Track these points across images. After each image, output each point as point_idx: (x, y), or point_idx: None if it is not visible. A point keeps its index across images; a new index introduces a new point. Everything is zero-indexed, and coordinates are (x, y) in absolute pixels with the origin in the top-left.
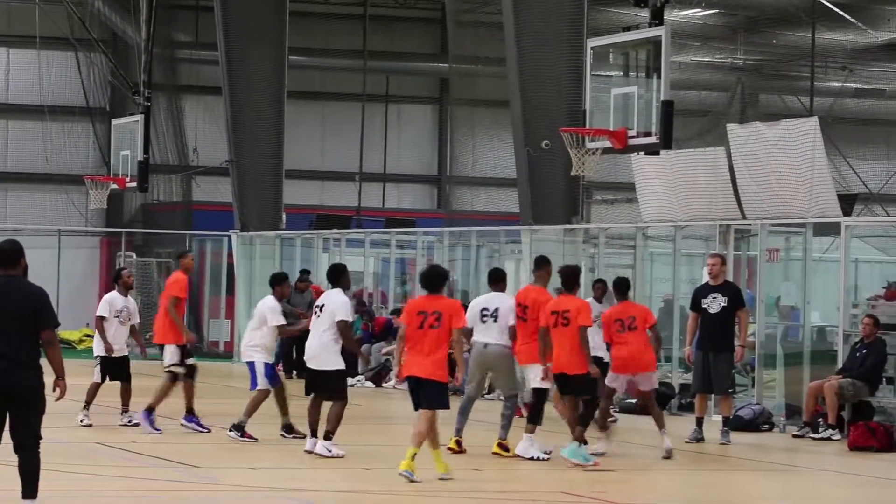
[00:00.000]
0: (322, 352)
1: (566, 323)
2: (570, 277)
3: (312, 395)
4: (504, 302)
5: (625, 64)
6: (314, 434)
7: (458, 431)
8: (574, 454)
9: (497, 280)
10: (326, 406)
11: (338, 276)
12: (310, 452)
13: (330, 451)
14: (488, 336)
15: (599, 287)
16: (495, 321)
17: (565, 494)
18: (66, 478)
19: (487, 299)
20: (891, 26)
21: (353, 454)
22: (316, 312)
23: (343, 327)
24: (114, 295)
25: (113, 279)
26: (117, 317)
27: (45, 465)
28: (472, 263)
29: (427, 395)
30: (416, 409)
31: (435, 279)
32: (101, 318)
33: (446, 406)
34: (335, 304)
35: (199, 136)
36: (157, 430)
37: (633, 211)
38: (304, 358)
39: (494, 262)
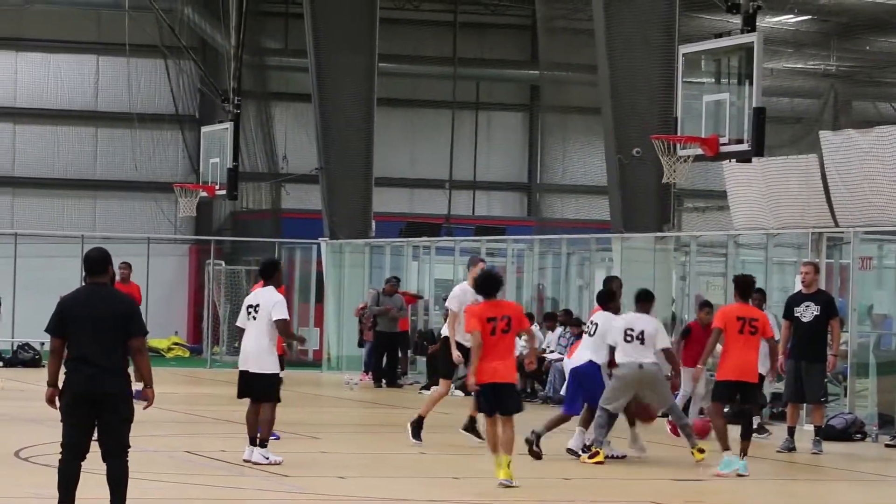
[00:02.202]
0: (260, 354)
1: (753, 331)
2: (749, 287)
3: (251, 401)
4: (649, 324)
5: (717, 70)
6: (253, 442)
7: (601, 444)
8: (728, 466)
9: (643, 300)
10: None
11: (272, 272)
12: (247, 461)
13: (267, 459)
14: (642, 356)
15: (758, 297)
16: (642, 343)
17: None
18: (155, 487)
19: (631, 320)
20: None
21: (442, 463)
22: (250, 313)
23: (283, 326)
24: None
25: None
26: None
27: (134, 474)
28: (562, 271)
29: (508, 399)
30: (490, 414)
31: (495, 284)
32: None
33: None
34: (271, 304)
35: (288, 143)
36: None
37: (725, 219)
38: (239, 359)
39: (585, 271)
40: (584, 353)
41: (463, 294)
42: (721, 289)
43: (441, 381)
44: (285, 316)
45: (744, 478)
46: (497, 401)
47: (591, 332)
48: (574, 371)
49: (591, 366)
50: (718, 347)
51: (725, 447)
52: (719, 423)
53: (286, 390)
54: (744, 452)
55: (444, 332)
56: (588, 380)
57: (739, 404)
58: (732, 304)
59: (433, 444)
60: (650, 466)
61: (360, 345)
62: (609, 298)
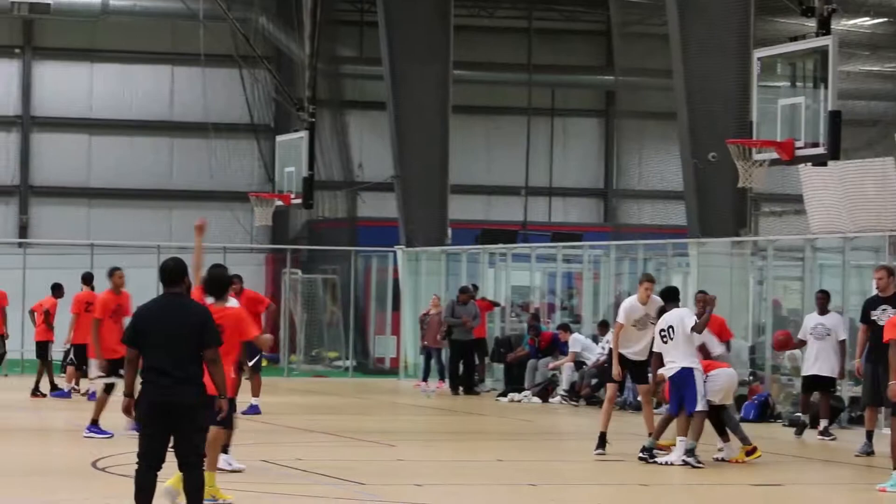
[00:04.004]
0: None
1: None
2: None
3: None
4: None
5: (792, 74)
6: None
7: (746, 440)
8: None
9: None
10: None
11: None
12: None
13: (231, 465)
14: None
15: (822, 297)
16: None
17: None
18: (233, 496)
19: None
20: None
21: (520, 470)
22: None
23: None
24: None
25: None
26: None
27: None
28: (638, 277)
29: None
30: None
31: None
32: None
33: None
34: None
35: (363, 151)
36: (107, 433)
37: (802, 222)
38: None
39: (661, 276)
40: (675, 358)
41: (631, 308)
42: (798, 293)
43: (608, 385)
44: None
45: (824, 483)
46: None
47: (671, 337)
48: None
49: (686, 371)
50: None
51: None
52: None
53: (363, 398)
54: None
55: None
56: (685, 386)
57: None
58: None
59: (510, 450)
60: (728, 471)
61: (421, 352)
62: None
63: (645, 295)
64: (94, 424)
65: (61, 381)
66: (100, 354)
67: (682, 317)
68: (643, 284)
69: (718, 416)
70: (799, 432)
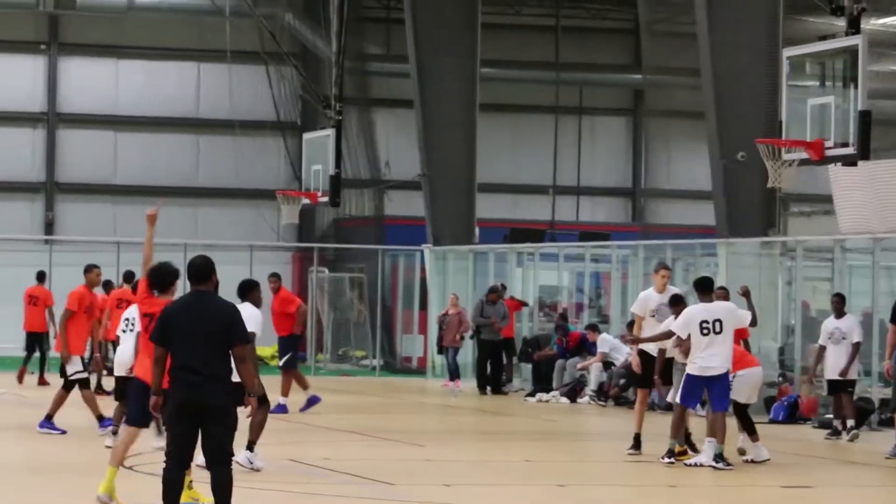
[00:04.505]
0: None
1: None
2: None
3: None
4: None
5: (821, 73)
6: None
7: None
8: None
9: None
10: None
11: (246, 291)
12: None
13: (252, 464)
14: None
15: (837, 301)
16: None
17: None
18: (259, 494)
19: None
20: None
21: (548, 470)
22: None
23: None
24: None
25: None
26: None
27: (238, 482)
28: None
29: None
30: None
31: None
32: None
33: None
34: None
35: (390, 149)
36: (61, 430)
37: (831, 223)
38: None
39: (690, 276)
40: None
41: (647, 298)
42: (827, 294)
43: (638, 390)
44: (255, 329)
45: (853, 486)
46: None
47: (717, 331)
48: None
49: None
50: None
51: None
52: None
53: (391, 398)
54: None
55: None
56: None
57: None
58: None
59: (538, 450)
60: (757, 473)
61: (440, 352)
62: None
63: (661, 284)
64: (49, 420)
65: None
66: (66, 349)
67: (734, 311)
68: (659, 273)
69: (746, 415)
70: (833, 434)
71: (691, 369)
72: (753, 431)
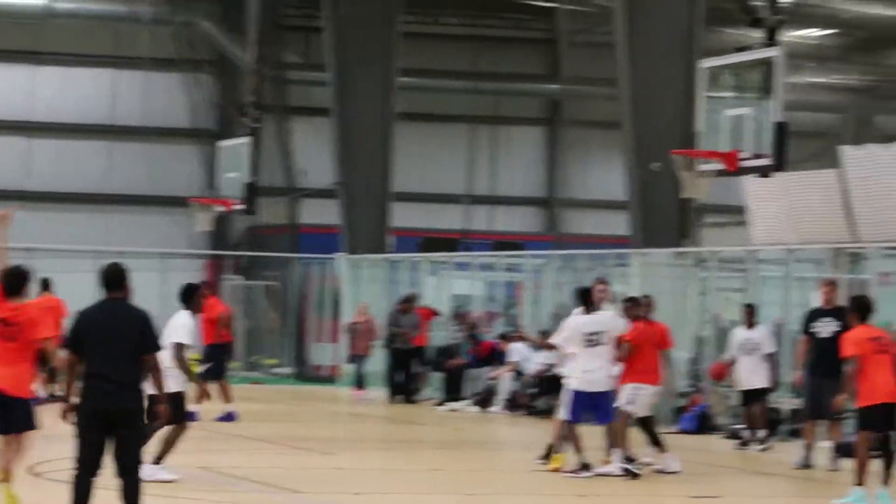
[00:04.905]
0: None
1: (886, 350)
2: (869, 308)
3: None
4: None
5: (738, 85)
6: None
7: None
8: (861, 501)
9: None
10: None
11: (188, 297)
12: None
13: (156, 476)
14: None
15: (749, 312)
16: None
17: None
18: (169, 503)
19: None
20: None
21: (458, 479)
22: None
23: (175, 350)
24: None
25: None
26: None
27: (147, 490)
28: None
29: None
30: None
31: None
32: None
33: None
34: (170, 326)
35: (307, 157)
36: None
37: (745, 234)
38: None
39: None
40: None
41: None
42: (739, 305)
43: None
44: (181, 339)
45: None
46: None
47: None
48: None
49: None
50: None
51: (860, 481)
52: (864, 454)
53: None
54: (887, 480)
55: None
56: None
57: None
58: (858, 327)
59: (448, 459)
60: (667, 483)
61: (350, 360)
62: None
63: (599, 298)
64: None
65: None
66: None
67: (615, 320)
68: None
69: (650, 428)
70: (743, 444)
71: (575, 384)
72: (659, 443)
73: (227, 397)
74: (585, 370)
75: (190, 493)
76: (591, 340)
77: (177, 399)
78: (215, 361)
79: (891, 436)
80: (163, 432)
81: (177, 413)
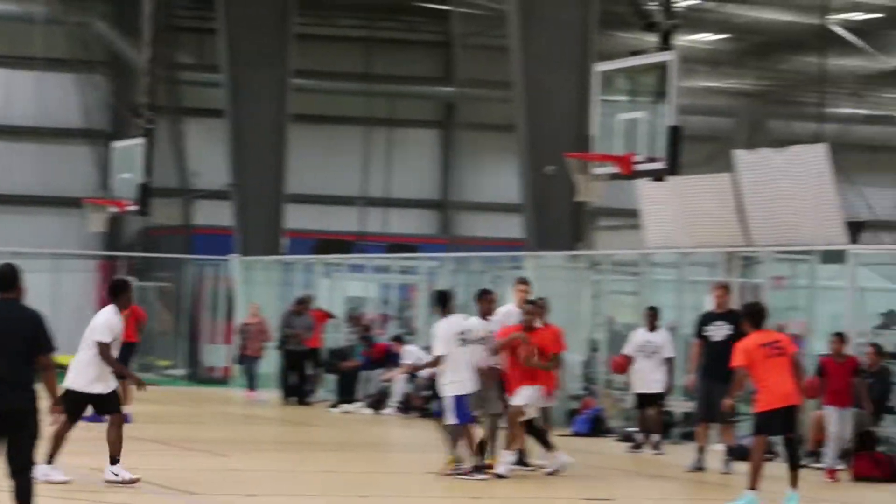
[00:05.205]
0: (77, 372)
1: (781, 353)
2: (761, 314)
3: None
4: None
5: (632, 89)
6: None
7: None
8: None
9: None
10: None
11: (116, 293)
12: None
13: (47, 476)
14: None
15: (651, 314)
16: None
17: None
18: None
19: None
20: None
21: (350, 481)
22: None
23: (99, 348)
24: None
25: None
26: None
27: (40, 491)
28: (474, 290)
29: None
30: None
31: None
32: None
33: None
34: (94, 323)
35: (200, 159)
36: None
37: (639, 237)
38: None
39: (498, 289)
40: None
41: (507, 316)
42: (633, 308)
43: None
44: (103, 338)
45: (654, 499)
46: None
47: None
48: None
49: None
50: None
51: (753, 485)
52: (758, 459)
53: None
54: (794, 483)
55: None
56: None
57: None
58: (752, 334)
59: (341, 461)
60: (560, 485)
61: (240, 362)
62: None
63: (520, 298)
64: None
65: None
66: None
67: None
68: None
69: (534, 429)
70: (636, 447)
71: (453, 390)
72: (547, 443)
73: (124, 398)
74: (456, 372)
75: (83, 495)
76: (463, 341)
77: (106, 398)
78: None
79: (794, 438)
80: (53, 432)
81: (79, 411)
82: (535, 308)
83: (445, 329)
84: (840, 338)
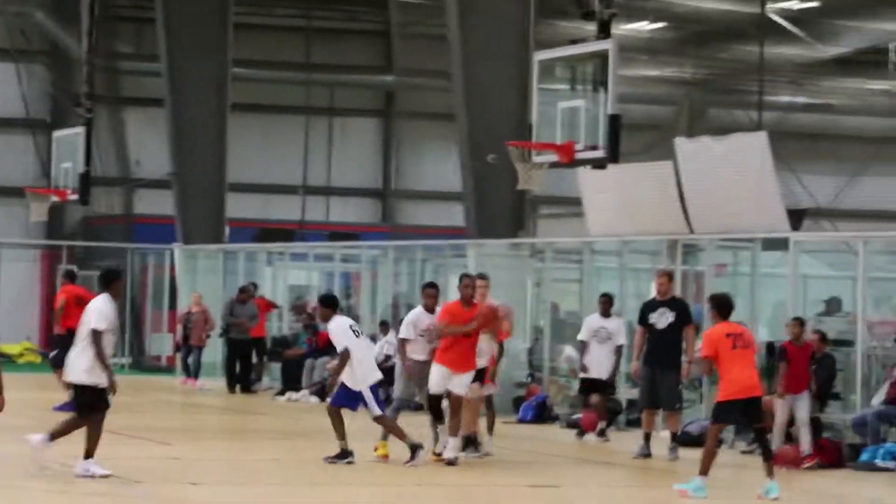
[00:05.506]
0: (73, 363)
1: (746, 346)
2: (729, 306)
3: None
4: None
5: (572, 77)
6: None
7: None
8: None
9: None
10: None
11: (107, 282)
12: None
13: (89, 471)
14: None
15: (605, 301)
16: None
17: None
18: (9, 494)
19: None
20: (839, 41)
21: (297, 470)
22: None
23: (92, 336)
24: None
25: None
26: None
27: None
28: (416, 277)
29: None
30: None
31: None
32: None
33: None
34: (89, 311)
35: (141, 148)
36: None
37: (580, 225)
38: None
39: (439, 277)
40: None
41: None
42: (576, 295)
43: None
44: (98, 325)
45: (600, 485)
46: None
47: None
48: None
49: None
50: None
51: (705, 471)
52: (712, 446)
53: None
54: (770, 473)
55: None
56: None
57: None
58: (718, 324)
59: (287, 449)
60: (505, 471)
61: (177, 349)
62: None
63: (481, 294)
64: None
65: None
66: None
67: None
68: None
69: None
70: (580, 434)
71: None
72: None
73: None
74: (362, 364)
75: (27, 483)
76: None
77: (93, 391)
78: (59, 349)
79: (763, 429)
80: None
81: (96, 404)
82: (470, 281)
83: (341, 324)
84: (799, 322)
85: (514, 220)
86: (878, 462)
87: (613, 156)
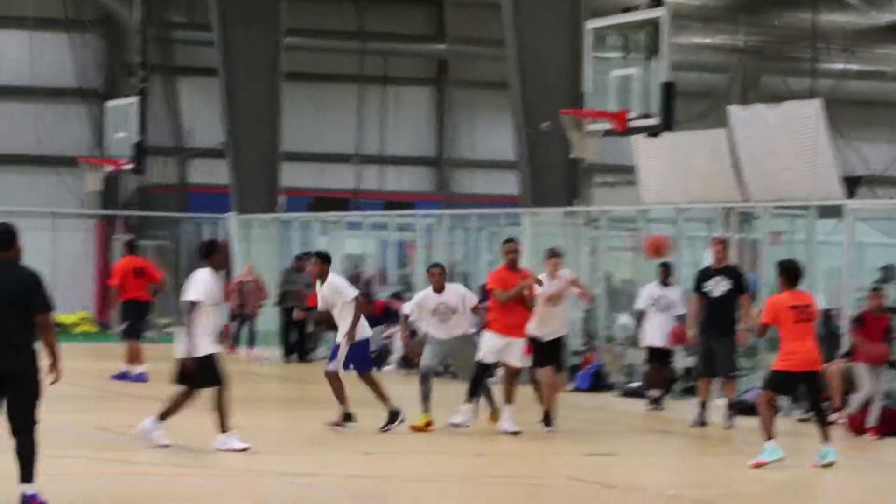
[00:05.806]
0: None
1: (809, 318)
2: (797, 273)
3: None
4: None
5: (624, 45)
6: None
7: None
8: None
9: None
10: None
11: (208, 252)
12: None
13: (226, 444)
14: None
15: (664, 269)
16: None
17: (569, 479)
18: (65, 462)
19: None
20: (893, 7)
21: (353, 438)
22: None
23: (186, 306)
24: None
25: None
26: None
27: (43, 449)
28: (471, 246)
29: None
30: None
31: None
32: None
33: None
34: (189, 283)
35: (194, 117)
36: None
37: (635, 193)
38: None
39: (494, 246)
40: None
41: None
42: (630, 263)
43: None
44: (192, 297)
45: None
46: None
47: None
48: None
49: None
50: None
51: (770, 436)
52: (766, 411)
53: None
54: (826, 438)
55: None
56: None
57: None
58: (784, 293)
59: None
60: (562, 440)
61: (231, 319)
62: None
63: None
64: None
65: None
66: None
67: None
68: (550, 260)
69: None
70: (654, 402)
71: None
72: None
73: (134, 357)
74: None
75: (86, 453)
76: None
77: (207, 362)
78: (130, 320)
79: (822, 404)
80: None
81: (209, 376)
82: (514, 245)
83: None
84: (878, 293)
85: (569, 189)
86: None
87: (667, 124)
